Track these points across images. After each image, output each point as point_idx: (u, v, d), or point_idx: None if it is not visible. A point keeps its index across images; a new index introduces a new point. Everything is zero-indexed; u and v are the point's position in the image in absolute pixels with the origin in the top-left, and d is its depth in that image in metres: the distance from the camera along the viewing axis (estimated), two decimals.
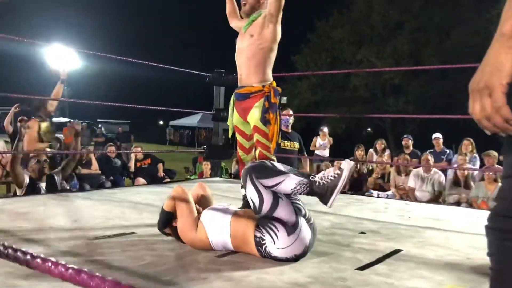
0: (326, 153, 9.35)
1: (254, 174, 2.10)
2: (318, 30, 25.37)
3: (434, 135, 7.67)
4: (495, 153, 6.32)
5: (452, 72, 19.99)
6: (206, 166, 7.72)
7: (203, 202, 2.44)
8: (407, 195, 6.48)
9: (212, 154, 5.73)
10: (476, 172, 6.47)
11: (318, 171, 8.15)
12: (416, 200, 6.06)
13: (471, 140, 7.02)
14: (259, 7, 3.04)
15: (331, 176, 2.08)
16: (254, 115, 2.95)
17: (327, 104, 25.17)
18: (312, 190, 2.07)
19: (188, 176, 10.17)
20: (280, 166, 2.22)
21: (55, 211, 3.18)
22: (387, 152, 8.17)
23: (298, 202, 2.18)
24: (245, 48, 2.96)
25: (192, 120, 27.79)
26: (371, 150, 8.27)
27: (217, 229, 2.17)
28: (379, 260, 2.19)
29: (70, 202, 3.52)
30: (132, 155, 7.66)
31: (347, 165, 2.10)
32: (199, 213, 2.29)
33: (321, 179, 2.09)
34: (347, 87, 24.24)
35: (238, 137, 3.16)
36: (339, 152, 10.06)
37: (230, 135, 3.21)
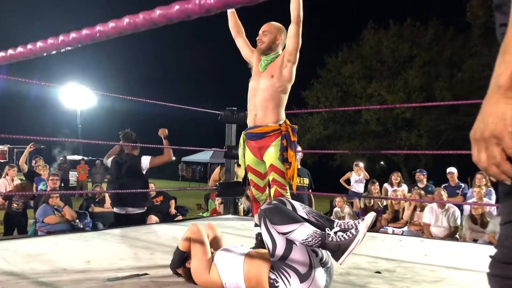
0: (361, 188, 9.28)
1: (268, 218, 2.05)
2: (328, 66, 25.58)
3: (448, 170, 7.55)
4: None
5: (463, 105, 19.98)
6: (218, 203, 7.69)
7: (213, 243, 2.42)
8: (422, 231, 6.36)
9: (224, 191, 5.73)
10: (494, 207, 6.30)
11: (353, 206, 8.04)
12: (431, 236, 5.95)
13: (484, 173, 6.71)
14: (275, 48, 3.10)
15: (346, 235, 1.95)
16: (271, 154, 2.96)
17: (339, 138, 25.17)
18: (324, 244, 1.96)
19: (201, 213, 10.14)
20: (298, 206, 2.18)
21: (69, 251, 3.18)
22: (404, 186, 8.06)
23: None
24: (263, 89, 2.98)
25: (205, 155, 27.88)
26: (385, 185, 8.17)
27: (230, 270, 2.15)
28: None
29: (83, 242, 3.52)
30: None
31: (364, 227, 1.96)
32: (211, 254, 2.27)
33: (336, 234, 1.96)
34: (359, 121, 24.27)
35: (252, 177, 3.14)
36: None
37: (242, 175, 3.21)
